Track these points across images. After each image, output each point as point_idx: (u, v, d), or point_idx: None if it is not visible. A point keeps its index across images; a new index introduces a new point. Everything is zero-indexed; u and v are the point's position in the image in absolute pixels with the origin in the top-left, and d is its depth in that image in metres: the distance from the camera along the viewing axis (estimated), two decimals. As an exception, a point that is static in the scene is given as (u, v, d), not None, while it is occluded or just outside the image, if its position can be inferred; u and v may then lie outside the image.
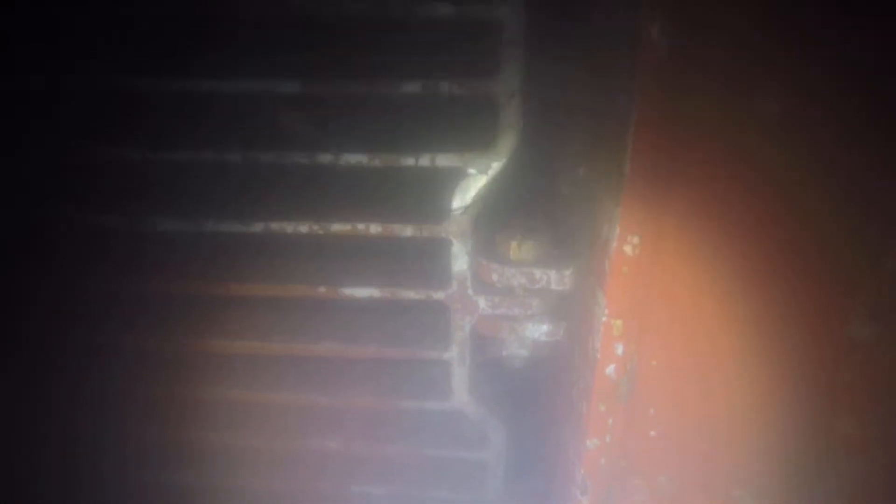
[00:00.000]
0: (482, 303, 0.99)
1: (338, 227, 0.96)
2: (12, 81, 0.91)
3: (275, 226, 0.97)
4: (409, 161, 0.91)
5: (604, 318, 0.79)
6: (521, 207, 0.98)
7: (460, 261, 0.97)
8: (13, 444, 1.12)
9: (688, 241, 0.74)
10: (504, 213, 0.97)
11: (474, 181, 0.92)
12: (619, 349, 0.81)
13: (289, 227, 0.97)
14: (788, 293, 0.74)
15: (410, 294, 1.00)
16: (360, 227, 0.96)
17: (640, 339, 0.80)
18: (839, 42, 0.69)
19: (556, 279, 0.96)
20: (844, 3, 0.68)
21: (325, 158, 0.93)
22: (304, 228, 0.97)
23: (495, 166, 0.91)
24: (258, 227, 0.97)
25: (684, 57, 0.68)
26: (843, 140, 0.71)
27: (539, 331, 1.00)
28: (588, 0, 0.81)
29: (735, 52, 0.69)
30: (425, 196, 0.95)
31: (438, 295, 0.99)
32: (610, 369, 0.82)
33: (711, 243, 0.74)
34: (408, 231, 0.96)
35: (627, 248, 0.75)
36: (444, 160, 0.91)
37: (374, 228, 0.96)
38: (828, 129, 0.71)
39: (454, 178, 0.92)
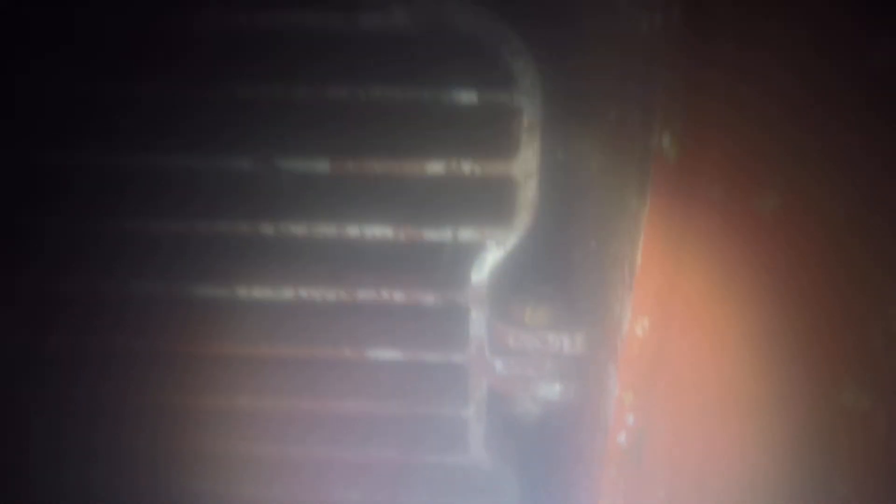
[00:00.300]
0: (498, 364, 1.05)
1: (364, 294, 1.02)
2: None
3: (304, 292, 1.03)
4: (432, 235, 0.98)
5: (616, 391, 0.85)
6: (536, 275, 1.04)
7: (478, 325, 1.02)
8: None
9: (692, 323, 0.80)
10: (520, 280, 1.03)
11: (493, 253, 0.98)
12: (630, 419, 0.86)
13: (317, 294, 1.03)
14: (782, 369, 0.80)
15: (431, 356, 1.05)
16: (385, 294, 1.02)
17: (650, 409, 0.85)
18: (834, 138, 0.75)
19: (567, 343, 1.02)
20: (835, 110, 0.74)
21: (353, 231, 0.99)
22: (331, 296, 1.03)
23: (512, 239, 0.97)
24: (288, 294, 1.03)
25: (690, 160, 0.74)
26: (835, 229, 0.77)
27: (552, 390, 1.06)
28: (602, 96, 0.87)
29: (737, 154, 0.75)
30: (447, 266, 1.01)
31: (458, 357, 1.05)
32: (621, 437, 0.88)
33: (714, 325, 0.79)
34: (430, 298, 1.02)
35: (638, 330, 0.80)
36: (464, 234, 0.97)
37: (398, 296, 1.02)
38: (822, 220, 0.77)
39: (474, 250, 0.98)
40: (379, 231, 0.98)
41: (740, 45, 0.71)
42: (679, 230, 0.76)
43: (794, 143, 0.74)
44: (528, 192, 0.94)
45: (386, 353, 1.06)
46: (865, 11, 0.70)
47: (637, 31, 0.73)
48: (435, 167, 0.94)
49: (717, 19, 0.69)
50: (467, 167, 0.94)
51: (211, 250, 1.04)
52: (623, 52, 0.79)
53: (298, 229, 1.00)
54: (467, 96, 0.92)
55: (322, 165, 0.96)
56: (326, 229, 0.99)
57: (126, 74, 0.94)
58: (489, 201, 0.98)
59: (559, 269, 1.01)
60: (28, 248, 1.06)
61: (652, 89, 0.75)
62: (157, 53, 0.94)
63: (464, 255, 0.99)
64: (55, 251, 1.05)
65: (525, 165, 0.93)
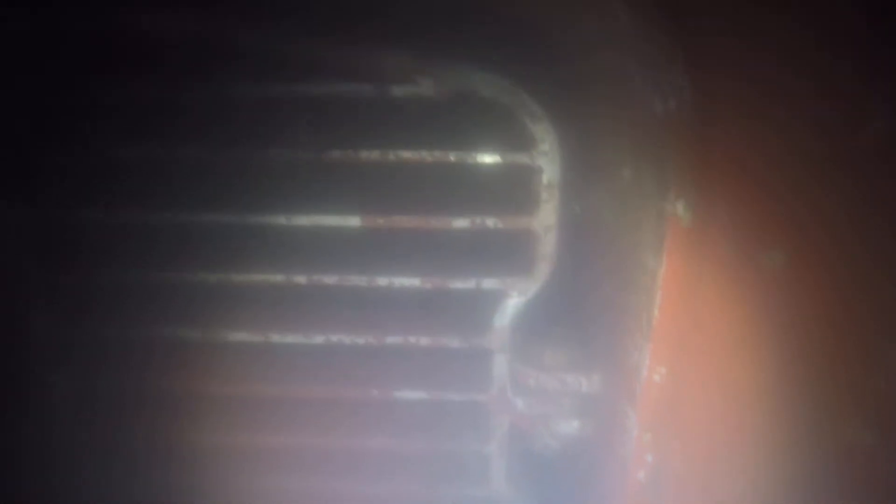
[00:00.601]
0: (519, 403, 1.11)
1: (392, 339, 1.09)
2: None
3: (334, 338, 1.09)
4: (458, 284, 1.04)
5: (635, 432, 0.92)
6: (556, 320, 1.10)
7: (501, 367, 1.09)
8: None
9: (707, 370, 0.87)
10: (540, 325, 1.09)
11: (514, 300, 1.05)
12: (649, 458, 0.93)
13: (347, 339, 1.09)
14: (790, 413, 0.87)
15: (455, 396, 1.12)
16: (412, 339, 1.08)
17: (667, 449, 0.92)
18: (831, 202, 0.83)
19: (585, 383, 1.08)
20: (830, 179, 0.82)
21: (382, 281, 1.05)
22: (361, 341, 1.09)
23: (533, 288, 1.04)
24: (319, 339, 1.10)
25: (702, 222, 0.82)
26: (839, 282, 0.85)
27: (570, 427, 1.12)
28: (617, 159, 0.94)
29: (744, 216, 0.83)
30: (471, 312, 1.08)
31: (480, 397, 1.11)
32: (640, 474, 0.94)
33: (727, 372, 0.86)
34: (454, 343, 1.08)
35: (656, 377, 0.87)
36: (488, 284, 1.04)
37: (425, 341, 1.08)
38: (826, 274, 0.85)
39: (497, 297, 1.05)
40: (407, 281, 1.05)
41: (746, 122, 0.78)
42: (694, 286, 0.83)
43: (795, 207, 0.82)
44: (548, 245, 1.02)
45: (412, 394, 1.12)
46: (860, 84, 0.77)
47: (650, 110, 0.81)
48: (460, 223, 1.01)
49: (725, 101, 0.76)
50: (490, 222, 1.01)
51: (246, 299, 1.10)
52: (637, 125, 0.86)
53: (330, 279, 1.06)
54: (490, 158, 0.99)
55: (354, 221, 1.02)
56: (357, 280, 1.06)
57: (168, 139, 1.01)
58: (511, 253, 1.05)
59: (577, 316, 1.08)
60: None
61: (665, 159, 0.83)
62: (198, 119, 1.00)
63: (487, 303, 1.06)
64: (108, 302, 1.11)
65: (544, 220, 1.00)
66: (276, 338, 1.10)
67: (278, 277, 1.06)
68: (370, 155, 0.99)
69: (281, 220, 1.02)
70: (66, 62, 1.01)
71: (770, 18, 0.72)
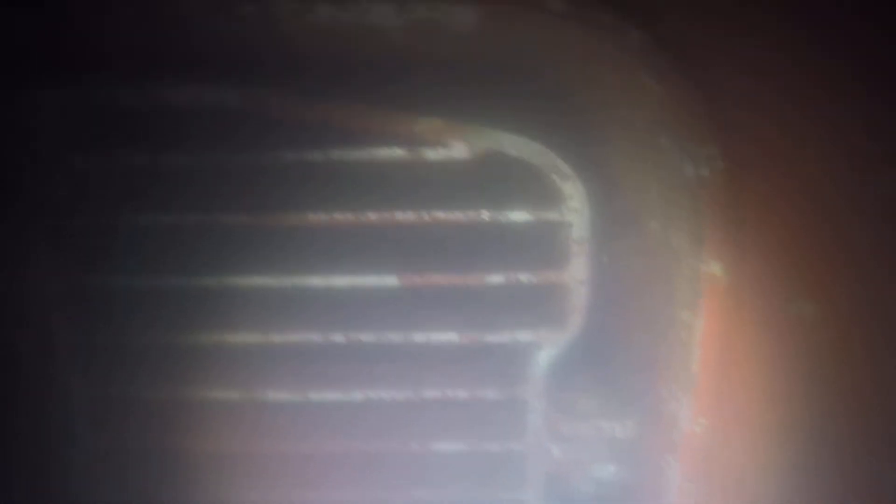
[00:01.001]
0: (555, 450, 1.13)
1: (430, 393, 1.11)
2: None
3: (373, 394, 1.12)
4: (493, 338, 1.07)
5: (677, 481, 0.94)
6: (589, 368, 1.13)
7: (536, 416, 1.11)
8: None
9: (745, 419, 0.89)
10: (574, 373, 1.12)
11: (548, 351, 1.08)
12: (691, 505, 0.96)
13: (386, 395, 1.11)
14: (826, 459, 0.90)
15: (492, 446, 1.14)
16: (450, 392, 1.11)
17: (710, 497, 0.94)
18: (857, 256, 0.86)
19: (619, 429, 1.11)
20: (853, 235, 0.85)
21: (419, 337, 1.08)
22: (400, 396, 1.11)
23: (566, 339, 1.07)
24: (358, 396, 1.12)
25: (737, 277, 0.85)
26: (867, 330, 0.88)
27: (606, 471, 1.14)
28: (649, 217, 0.97)
29: (776, 269, 0.86)
30: (506, 364, 1.10)
31: (517, 446, 1.13)
32: (683, 522, 0.97)
33: (764, 421, 0.89)
34: (491, 394, 1.11)
35: (697, 428, 0.90)
36: (522, 336, 1.07)
37: (461, 393, 1.11)
38: (855, 323, 0.88)
39: (531, 349, 1.08)
40: (443, 336, 1.08)
41: (779, 181, 0.82)
42: (731, 338, 0.86)
43: (824, 260, 0.85)
44: (579, 298, 1.04)
45: (449, 446, 1.14)
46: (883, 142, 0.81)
47: (681, 173, 0.84)
48: (494, 278, 1.04)
49: (758, 166, 0.79)
50: (523, 277, 1.04)
51: (285, 359, 1.12)
52: (668, 185, 0.90)
53: (368, 337, 1.09)
54: (521, 215, 1.02)
55: (391, 280, 1.05)
56: (394, 337, 1.08)
57: (208, 205, 1.04)
58: (544, 306, 1.08)
59: (610, 365, 1.11)
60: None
61: (697, 217, 0.86)
62: (236, 185, 1.03)
63: (522, 354, 1.08)
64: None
65: (575, 274, 1.03)
66: (314, 395, 1.12)
67: (316, 337, 1.09)
68: (405, 216, 1.02)
69: (319, 281, 1.05)
70: (103, 130, 1.04)
71: (799, 87, 0.76)
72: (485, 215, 1.03)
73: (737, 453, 0.91)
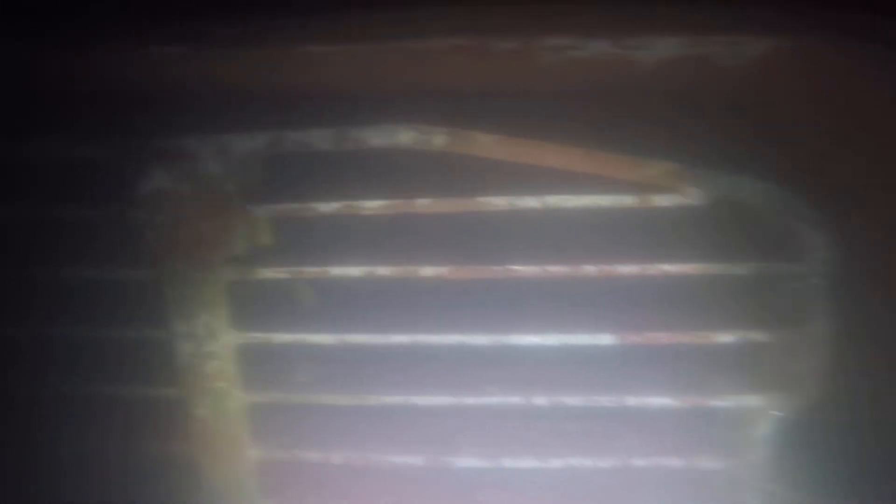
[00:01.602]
0: (775, 527, 1.02)
1: (638, 462, 1.00)
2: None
3: (574, 461, 1.01)
4: (715, 403, 0.97)
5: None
6: (826, 438, 1.01)
7: (760, 492, 1.00)
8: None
9: None
10: (807, 444, 1.00)
11: (776, 419, 0.97)
12: None
13: (589, 462, 1.01)
14: None
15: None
16: (663, 460, 1.00)
17: None
18: None
19: (853, 507, 0.99)
20: None
21: (632, 401, 0.98)
22: (604, 464, 1.00)
23: (799, 406, 0.96)
24: (557, 463, 1.01)
25: None
26: None
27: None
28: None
29: None
30: (729, 431, 1.00)
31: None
32: None
33: None
34: (708, 464, 1.00)
35: None
36: (749, 401, 0.96)
37: (676, 462, 1.00)
38: None
39: (760, 415, 0.97)
40: (659, 400, 0.97)
41: None
42: None
43: None
44: (819, 359, 0.94)
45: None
46: None
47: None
48: (722, 337, 0.94)
49: None
50: (755, 335, 0.94)
51: (477, 421, 1.03)
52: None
53: (574, 400, 0.98)
54: (755, 267, 0.92)
55: (606, 339, 0.95)
56: (604, 399, 0.98)
57: (409, 256, 0.95)
58: (778, 367, 0.97)
59: (853, 439, 1.00)
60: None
61: None
62: (440, 234, 0.95)
63: (749, 421, 0.98)
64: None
65: (815, 332, 0.93)
66: (507, 462, 1.02)
67: (516, 399, 0.99)
68: (627, 268, 0.93)
69: (526, 339, 0.96)
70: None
71: None
72: (715, 267, 0.92)
73: None
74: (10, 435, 1.10)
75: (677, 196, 0.90)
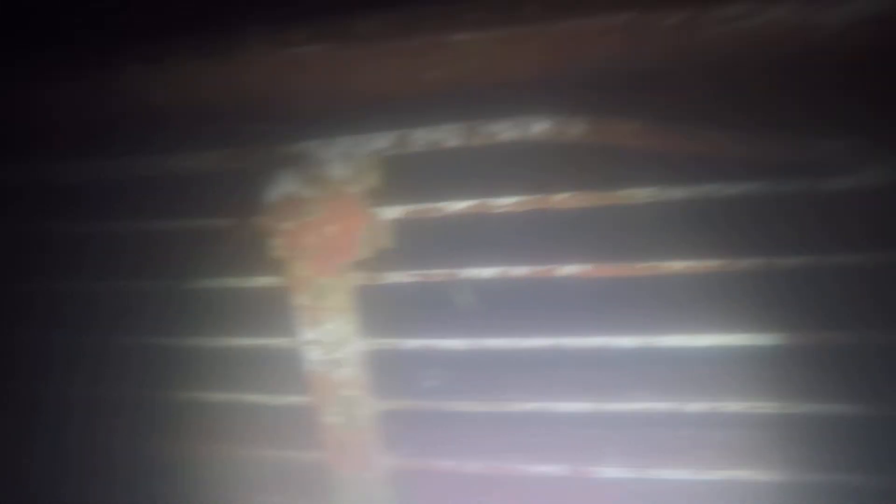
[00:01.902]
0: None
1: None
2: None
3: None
4: None
5: None
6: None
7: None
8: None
9: None
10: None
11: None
12: None
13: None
14: None
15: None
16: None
17: None
18: None
19: None
20: None
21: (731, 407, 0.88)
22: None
23: None
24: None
25: None
26: None
27: None
28: None
29: None
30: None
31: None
32: None
33: None
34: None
35: None
36: None
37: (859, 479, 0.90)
38: None
39: None
40: (834, 408, 0.87)
41: None
42: None
43: None
44: None
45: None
46: None
47: None
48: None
49: None
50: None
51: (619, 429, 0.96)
52: None
53: (733, 407, 0.90)
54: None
55: (769, 339, 0.86)
56: (769, 407, 0.89)
57: (551, 256, 0.89)
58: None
59: None
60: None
61: None
62: (586, 230, 0.88)
63: None
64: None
65: None
66: (655, 473, 0.94)
67: (665, 405, 0.91)
68: (791, 261, 0.83)
69: (675, 340, 0.88)
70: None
71: None
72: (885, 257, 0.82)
73: None
74: (144, 441, 1.12)
75: (853, 177, 0.80)
